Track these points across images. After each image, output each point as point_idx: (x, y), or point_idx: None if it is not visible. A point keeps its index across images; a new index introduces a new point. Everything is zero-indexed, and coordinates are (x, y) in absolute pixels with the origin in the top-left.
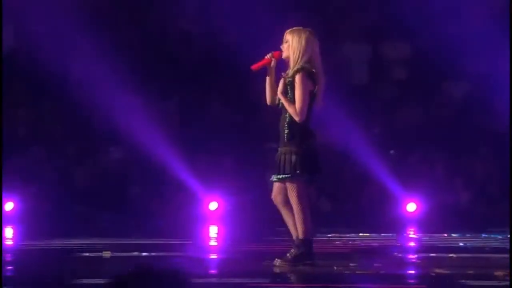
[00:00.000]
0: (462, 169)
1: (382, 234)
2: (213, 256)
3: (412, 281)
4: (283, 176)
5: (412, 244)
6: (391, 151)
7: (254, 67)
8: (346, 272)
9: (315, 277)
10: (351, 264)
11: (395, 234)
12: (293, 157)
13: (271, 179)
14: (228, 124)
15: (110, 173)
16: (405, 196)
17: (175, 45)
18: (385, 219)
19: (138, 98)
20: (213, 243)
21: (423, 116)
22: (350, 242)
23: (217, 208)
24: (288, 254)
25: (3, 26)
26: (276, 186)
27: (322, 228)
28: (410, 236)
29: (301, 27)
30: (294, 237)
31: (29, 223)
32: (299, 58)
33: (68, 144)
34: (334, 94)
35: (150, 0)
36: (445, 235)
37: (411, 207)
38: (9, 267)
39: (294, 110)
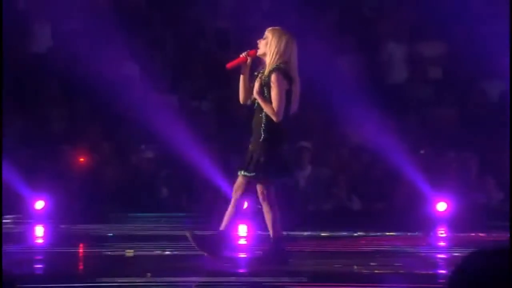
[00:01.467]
0: (495, 168)
1: (409, 233)
2: (242, 255)
3: (430, 280)
4: (245, 173)
5: (439, 243)
6: (421, 151)
7: (229, 65)
8: (365, 271)
9: (334, 276)
10: (371, 263)
11: (421, 233)
12: (261, 158)
13: (238, 172)
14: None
15: (142, 172)
16: (436, 195)
17: (210, 44)
18: (414, 218)
19: (171, 97)
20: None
21: (457, 115)
22: (375, 241)
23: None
24: (262, 255)
25: (42, 26)
26: (239, 179)
27: (351, 226)
28: (439, 235)
29: (283, 29)
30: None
31: (59, 222)
32: (276, 58)
33: (100, 143)
34: (369, 93)
35: None
36: (474, 234)
37: (441, 206)
38: (38, 265)
39: (271, 110)
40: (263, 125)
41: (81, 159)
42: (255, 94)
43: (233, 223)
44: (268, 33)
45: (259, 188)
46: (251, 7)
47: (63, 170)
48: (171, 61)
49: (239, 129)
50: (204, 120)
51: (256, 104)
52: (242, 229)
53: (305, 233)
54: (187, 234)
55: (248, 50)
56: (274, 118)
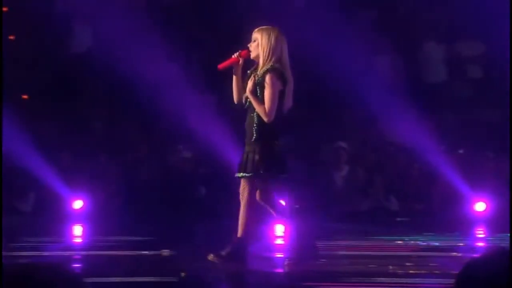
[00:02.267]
0: None
1: (447, 234)
2: (279, 255)
3: None
4: (244, 174)
5: (477, 244)
6: (460, 151)
7: (221, 66)
8: (400, 271)
9: (367, 276)
10: (407, 264)
11: (460, 234)
12: (256, 157)
13: (236, 175)
14: (294, 122)
15: (180, 171)
16: (474, 195)
17: (246, 44)
18: (452, 218)
19: (209, 97)
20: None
21: (496, 114)
22: (412, 242)
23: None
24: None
25: (83, 27)
26: (241, 183)
27: (388, 227)
28: (477, 236)
29: (269, 26)
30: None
31: (97, 221)
32: (269, 57)
33: (138, 143)
34: (408, 93)
35: None
36: None
37: (480, 206)
38: (77, 265)
39: (263, 110)
40: (255, 125)
41: (119, 159)
42: (248, 93)
43: (253, 227)
44: (256, 34)
45: (242, 184)
46: (287, 8)
47: (102, 170)
48: (210, 60)
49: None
50: (241, 120)
51: (248, 103)
52: (279, 229)
53: (341, 234)
54: (210, 258)
55: (240, 51)
56: (265, 119)
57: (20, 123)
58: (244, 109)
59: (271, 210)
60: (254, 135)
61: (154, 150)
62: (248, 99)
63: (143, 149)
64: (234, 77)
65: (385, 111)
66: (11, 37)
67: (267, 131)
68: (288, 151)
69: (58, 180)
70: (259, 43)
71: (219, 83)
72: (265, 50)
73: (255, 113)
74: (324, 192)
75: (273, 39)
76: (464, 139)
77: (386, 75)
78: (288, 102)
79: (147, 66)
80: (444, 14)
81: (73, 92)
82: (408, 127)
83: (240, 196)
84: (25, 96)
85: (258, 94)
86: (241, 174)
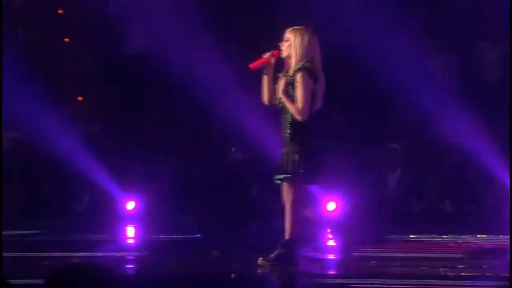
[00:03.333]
0: None
1: (500, 236)
2: (331, 257)
3: None
4: (285, 176)
5: None
6: None
7: (253, 66)
8: (451, 273)
9: (418, 278)
10: (459, 266)
11: None
12: (296, 156)
13: (274, 180)
14: (347, 123)
15: (231, 173)
16: None
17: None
18: (507, 220)
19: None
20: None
21: None
22: (465, 244)
23: (335, 209)
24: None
25: (136, 29)
26: (283, 186)
27: (441, 229)
28: None
29: (302, 27)
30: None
31: (149, 222)
32: (301, 57)
33: (191, 144)
34: (462, 93)
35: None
36: None
37: None
38: (129, 266)
39: (296, 109)
40: (289, 125)
41: (171, 161)
42: (280, 93)
43: (299, 228)
44: (289, 35)
45: (285, 187)
46: (339, 9)
47: (154, 171)
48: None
49: (325, 129)
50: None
51: (281, 104)
52: (328, 230)
53: (394, 236)
54: (259, 262)
55: (272, 51)
56: (299, 117)
57: (75, 124)
58: (279, 110)
59: (307, 210)
60: (290, 135)
61: (206, 151)
62: (281, 100)
63: (195, 150)
64: (265, 77)
65: (439, 112)
66: (67, 40)
67: (303, 130)
68: (341, 153)
69: (111, 181)
70: (292, 43)
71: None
72: (297, 50)
73: (289, 114)
74: (376, 194)
75: (306, 40)
76: None
77: (439, 75)
78: (318, 103)
79: (200, 67)
80: (498, 14)
81: (127, 94)
82: (463, 128)
83: (284, 198)
84: (80, 98)
85: (290, 93)
86: (282, 176)
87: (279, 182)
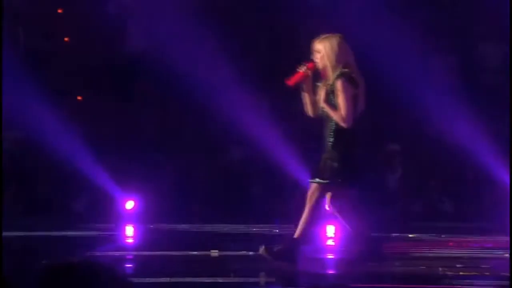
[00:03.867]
0: None
1: (500, 236)
2: (330, 256)
3: None
4: (320, 181)
5: None
6: None
7: (291, 82)
8: (449, 273)
9: (416, 278)
10: (458, 266)
11: None
12: (335, 164)
13: (310, 180)
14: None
15: (232, 173)
16: None
17: (302, 46)
18: (507, 220)
19: (262, 99)
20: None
21: None
22: (464, 244)
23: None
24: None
25: (136, 28)
26: (313, 187)
27: (440, 228)
28: None
29: (329, 34)
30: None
31: (148, 222)
32: (336, 64)
33: (191, 143)
34: (463, 94)
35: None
36: None
37: None
38: (128, 265)
39: (339, 116)
40: (332, 132)
41: (171, 160)
42: (322, 103)
43: (309, 230)
44: (319, 46)
45: (328, 195)
46: (342, 9)
47: (154, 171)
48: (264, 62)
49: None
50: (295, 122)
51: (324, 113)
52: (330, 230)
53: (394, 235)
54: (261, 250)
55: (306, 64)
56: (343, 125)
57: (75, 124)
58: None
59: (341, 219)
60: (332, 142)
61: (206, 151)
62: (324, 109)
63: (195, 150)
64: (305, 92)
65: (441, 112)
66: (66, 39)
67: (346, 138)
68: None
69: (110, 180)
70: (324, 54)
71: (273, 85)
72: (331, 59)
73: (333, 122)
74: (377, 194)
75: (336, 46)
76: None
77: (439, 75)
78: (361, 105)
79: (200, 67)
80: (500, 14)
81: (126, 93)
82: (464, 128)
83: (308, 199)
84: (79, 97)
85: (332, 102)
86: (317, 180)
87: (314, 182)
